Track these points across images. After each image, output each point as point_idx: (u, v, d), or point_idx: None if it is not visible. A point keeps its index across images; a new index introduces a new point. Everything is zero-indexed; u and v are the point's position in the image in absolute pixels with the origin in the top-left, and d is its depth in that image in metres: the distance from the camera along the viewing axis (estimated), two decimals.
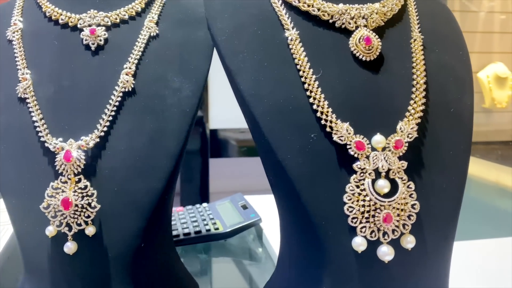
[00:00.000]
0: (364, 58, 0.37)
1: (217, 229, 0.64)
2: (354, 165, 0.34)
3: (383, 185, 0.33)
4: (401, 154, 0.35)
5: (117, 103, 0.41)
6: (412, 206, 0.34)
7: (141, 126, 0.41)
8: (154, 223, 0.41)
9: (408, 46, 0.39)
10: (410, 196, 0.34)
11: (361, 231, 0.33)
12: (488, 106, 1.82)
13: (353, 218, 0.34)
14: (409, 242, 0.34)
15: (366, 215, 0.34)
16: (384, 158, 0.34)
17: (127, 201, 0.40)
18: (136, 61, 0.42)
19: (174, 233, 0.63)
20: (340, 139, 0.34)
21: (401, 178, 0.34)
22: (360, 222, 0.33)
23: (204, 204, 0.74)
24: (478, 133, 1.81)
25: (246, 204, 0.72)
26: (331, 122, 0.35)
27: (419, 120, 0.36)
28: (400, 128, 0.35)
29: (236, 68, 0.37)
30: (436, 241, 0.35)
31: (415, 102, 0.36)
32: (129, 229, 0.39)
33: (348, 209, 0.33)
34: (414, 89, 0.37)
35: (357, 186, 0.34)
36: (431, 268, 0.35)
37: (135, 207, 0.40)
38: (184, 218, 0.68)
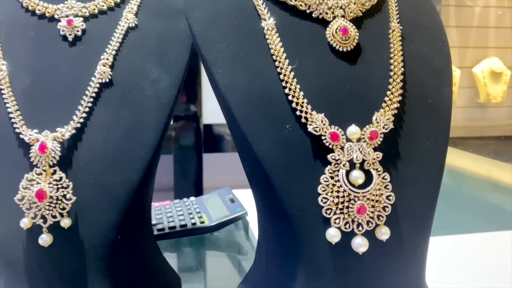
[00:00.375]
0: (341, 49, 0.36)
1: (202, 222, 0.64)
2: (329, 156, 0.34)
3: (357, 176, 0.33)
4: (376, 145, 0.35)
5: (93, 95, 0.40)
6: (387, 197, 0.34)
7: (118, 118, 0.40)
8: (131, 215, 0.40)
9: (386, 37, 0.38)
10: (385, 187, 0.34)
11: (335, 222, 0.33)
12: (483, 101, 1.82)
13: (327, 209, 0.33)
14: (383, 233, 0.34)
15: (340, 206, 0.33)
16: (359, 149, 0.34)
17: (103, 193, 0.39)
18: (113, 52, 0.42)
19: (159, 226, 0.63)
20: (315, 130, 0.34)
21: (376, 169, 0.34)
22: (334, 213, 0.33)
23: (192, 198, 0.74)
24: (473, 128, 1.81)
25: (234, 198, 0.71)
26: (306, 113, 0.35)
27: (395, 111, 0.36)
28: (376, 119, 0.35)
29: (212, 59, 0.36)
30: (412, 233, 0.35)
31: (391, 93, 0.36)
32: (105, 222, 0.39)
33: (322, 200, 0.33)
34: (391, 80, 0.36)
35: (332, 177, 0.34)
36: (407, 260, 0.35)
37: (111, 199, 0.39)
38: (170, 212, 0.68)
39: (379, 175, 0.34)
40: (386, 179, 0.34)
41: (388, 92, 0.36)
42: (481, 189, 1.19)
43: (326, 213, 0.33)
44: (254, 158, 0.35)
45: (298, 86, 0.35)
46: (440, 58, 0.40)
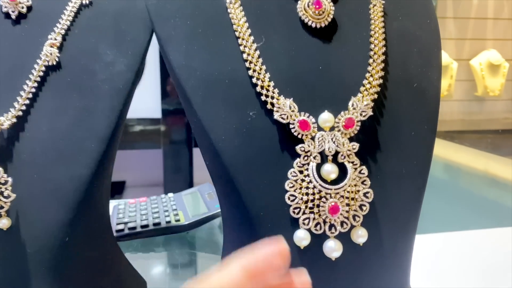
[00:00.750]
0: (314, 25, 0.32)
1: (178, 220, 0.60)
2: (297, 148, 0.29)
3: (330, 170, 0.29)
4: (352, 134, 0.30)
5: (38, 79, 0.36)
6: (365, 194, 0.30)
7: (66, 105, 0.36)
8: (82, 213, 0.36)
9: (366, 12, 0.34)
10: (362, 183, 0.30)
11: (304, 223, 0.29)
12: (481, 94, 1.77)
13: (295, 208, 0.29)
14: (360, 236, 0.29)
15: (310, 204, 0.29)
16: (332, 139, 0.29)
17: (49, 189, 0.35)
18: (63, 32, 0.37)
19: (131, 225, 0.59)
20: (282, 118, 0.30)
21: (352, 162, 0.30)
22: (304, 213, 0.29)
23: (170, 194, 0.69)
24: (470, 122, 1.77)
25: (214, 194, 0.67)
26: (272, 98, 0.30)
27: (375, 96, 0.31)
28: (353, 105, 0.31)
29: (165, 36, 0.32)
30: (393, 235, 0.31)
31: (371, 75, 0.32)
32: (51, 221, 0.35)
33: (289, 198, 0.29)
34: (371, 61, 0.32)
35: (301, 172, 0.29)
36: (388, 265, 0.31)
37: (58, 196, 0.35)
38: (145, 209, 0.63)
39: (355, 169, 0.30)
40: (363, 173, 0.30)
41: (367, 75, 0.32)
42: (478, 184, 1.15)
43: (294, 212, 0.29)
44: (212, 150, 0.30)
45: (263, 67, 0.31)
46: (427, 37, 0.35)
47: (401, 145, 0.32)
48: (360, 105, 0.31)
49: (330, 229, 0.29)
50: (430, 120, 0.33)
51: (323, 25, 0.32)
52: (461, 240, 0.67)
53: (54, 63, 0.36)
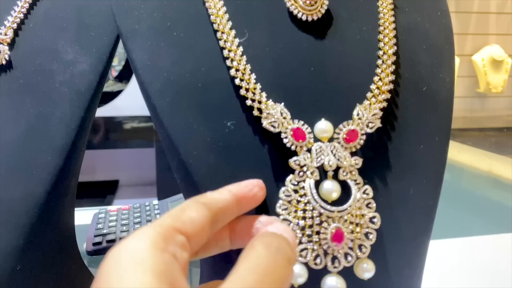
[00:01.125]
0: (304, 17, 0.27)
1: None
2: (291, 161, 0.24)
3: (331, 189, 0.24)
4: (354, 149, 0.25)
5: None
6: (371, 220, 0.25)
7: (17, 112, 0.31)
8: (37, 238, 0.31)
9: (371, 5, 0.29)
10: (367, 206, 0.25)
11: (300, 256, 0.24)
12: (483, 90, 1.72)
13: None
14: (366, 270, 0.24)
15: (308, 231, 0.24)
16: (332, 151, 0.24)
17: None
18: (15, 26, 0.32)
19: (110, 237, 0.54)
20: (272, 126, 0.25)
21: (355, 180, 0.25)
22: (300, 243, 0.24)
23: (155, 202, 0.64)
24: (472, 119, 1.72)
25: None
26: (260, 102, 0.25)
27: (384, 104, 0.26)
28: (358, 115, 0.26)
29: (128, 30, 0.27)
30: (402, 265, 0.26)
31: (380, 79, 0.26)
32: (0, 248, 0.30)
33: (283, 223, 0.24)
34: (379, 62, 0.27)
35: (295, 191, 0.24)
36: (401, 281, 0.26)
37: (7, 219, 0.30)
38: (127, 219, 0.58)
39: (359, 188, 0.25)
40: (367, 194, 0.25)
41: (376, 78, 0.27)
42: (482, 185, 1.11)
43: None
44: (183, 168, 0.25)
45: (248, 66, 0.26)
46: (437, 31, 0.30)
47: (410, 162, 0.27)
48: (367, 115, 0.25)
49: (333, 262, 0.24)
50: (442, 130, 0.28)
51: (315, 17, 0.27)
52: (464, 247, 0.63)
53: (4, 62, 0.31)
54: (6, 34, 0.32)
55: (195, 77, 0.26)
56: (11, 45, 0.32)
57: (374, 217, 0.25)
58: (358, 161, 0.25)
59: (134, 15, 0.27)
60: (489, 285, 0.52)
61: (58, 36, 0.33)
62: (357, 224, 0.24)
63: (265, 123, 0.25)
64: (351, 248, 0.24)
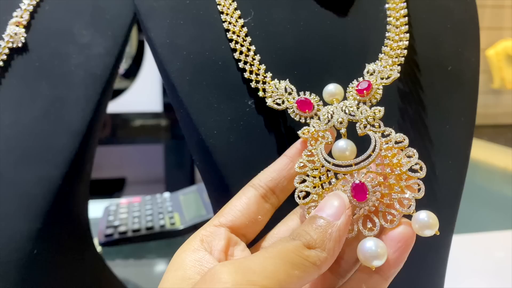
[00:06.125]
0: None
1: (173, 224, 0.54)
2: (299, 132, 0.23)
3: (344, 147, 0.22)
4: (374, 102, 0.23)
5: (1, 63, 0.30)
6: (412, 169, 0.20)
7: (33, 94, 0.31)
8: (53, 222, 0.31)
9: None
10: (406, 156, 0.21)
11: None
12: (497, 86, 1.70)
13: (310, 208, 0.22)
14: (427, 226, 0.19)
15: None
16: (342, 108, 0.23)
17: (14, 193, 0.30)
18: (30, 8, 0.32)
19: (122, 229, 0.53)
20: (276, 104, 0.24)
21: (383, 131, 0.22)
22: None
23: (166, 194, 0.64)
24: (487, 115, 1.70)
25: None
26: (264, 83, 0.24)
27: (401, 60, 0.24)
28: (368, 71, 0.24)
29: (147, 8, 0.26)
30: (427, 247, 0.25)
31: (391, 39, 0.25)
32: (16, 231, 0.29)
33: (299, 196, 0.22)
34: (389, 27, 0.26)
35: (311, 162, 0.22)
36: (426, 268, 0.25)
37: (24, 202, 0.30)
38: (138, 211, 0.58)
39: (388, 135, 0.22)
40: (402, 141, 0.21)
41: (387, 41, 0.25)
42: (497, 181, 1.09)
43: (309, 213, 0.22)
44: (202, 147, 0.25)
45: (252, 47, 0.25)
46: (462, 11, 0.29)
47: (433, 141, 0.26)
48: (379, 68, 0.24)
49: (365, 225, 0.20)
50: (467, 110, 0.27)
51: None
52: (479, 243, 0.62)
53: (20, 45, 0.31)
54: (22, 17, 0.31)
55: (215, 55, 0.25)
56: (27, 28, 0.32)
57: (416, 164, 0.20)
58: (378, 110, 0.22)
59: None
60: (505, 280, 0.51)
61: (73, 19, 0.33)
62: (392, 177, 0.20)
63: (269, 102, 0.24)
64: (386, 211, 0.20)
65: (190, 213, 0.57)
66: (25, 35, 0.31)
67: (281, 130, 0.25)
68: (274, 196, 0.22)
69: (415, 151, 0.21)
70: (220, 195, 0.26)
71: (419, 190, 0.20)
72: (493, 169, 1.17)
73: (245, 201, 0.21)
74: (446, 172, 0.26)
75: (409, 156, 0.21)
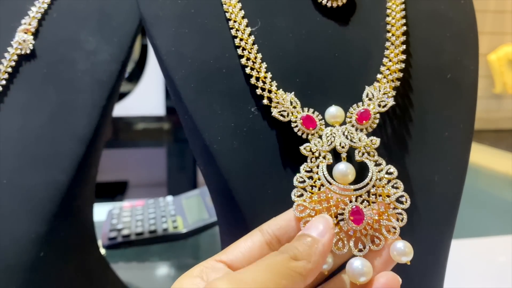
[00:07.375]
0: (329, 4, 0.27)
1: (176, 227, 0.55)
2: (302, 148, 0.24)
3: (345, 171, 0.23)
4: (370, 130, 0.25)
5: (10, 69, 0.31)
6: (398, 200, 0.23)
7: (40, 100, 0.31)
8: (59, 225, 0.31)
9: None
10: (393, 187, 0.24)
11: None
12: (499, 91, 1.70)
13: (307, 222, 0.23)
14: (402, 253, 0.22)
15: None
16: (344, 133, 0.24)
17: (21, 198, 0.30)
18: (38, 16, 0.33)
19: (125, 232, 0.54)
20: (281, 115, 0.25)
21: (375, 161, 0.24)
22: None
23: (169, 198, 0.65)
24: (488, 120, 1.70)
25: None
26: (269, 92, 0.25)
27: (397, 84, 0.26)
28: (367, 95, 0.25)
29: (152, 16, 0.27)
30: (425, 252, 0.26)
31: (389, 60, 0.26)
32: (23, 235, 0.30)
33: (298, 209, 0.23)
34: (388, 44, 0.27)
35: (310, 178, 0.24)
36: (425, 272, 0.26)
37: (31, 206, 0.30)
38: (141, 215, 0.59)
39: (381, 169, 0.24)
40: (391, 173, 0.24)
41: (385, 60, 0.26)
42: (499, 186, 1.09)
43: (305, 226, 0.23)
44: (206, 153, 0.25)
45: (259, 55, 0.26)
46: (461, 19, 0.30)
47: (433, 148, 0.26)
48: (377, 94, 0.25)
49: (357, 246, 0.23)
50: (466, 118, 0.28)
51: (340, 3, 0.27)
52: (481, 248, 0.62)
53: (28, 51, 0.32)
54: (30, 24, 0.32)
55: (219, 63, 0.26)
56: (35, 35, 0.32)
57: (402, 196, 0.23)
58: (375, 140, 0.24)
59: (158, 2, 0.27)
60: (506, 285, 0.51)
61: (80, 26, 0.33)
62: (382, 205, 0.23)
63: (274, 112, 0.25)
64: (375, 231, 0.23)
65: (192, 216, 0.57)
66: (33, 42, 0.32)
67: (283, 137, 0.25)
68: (279, 245, 0.22)
69: (401, 183, 0.24)
70: (223, 199, 0.26)
71: (402, 220, 0.23)
72: (495, 174, 1.17)
73: (250, 245, 0.22)
74: (445, 178, 0.26)
75: (396, 188, 0.24)
